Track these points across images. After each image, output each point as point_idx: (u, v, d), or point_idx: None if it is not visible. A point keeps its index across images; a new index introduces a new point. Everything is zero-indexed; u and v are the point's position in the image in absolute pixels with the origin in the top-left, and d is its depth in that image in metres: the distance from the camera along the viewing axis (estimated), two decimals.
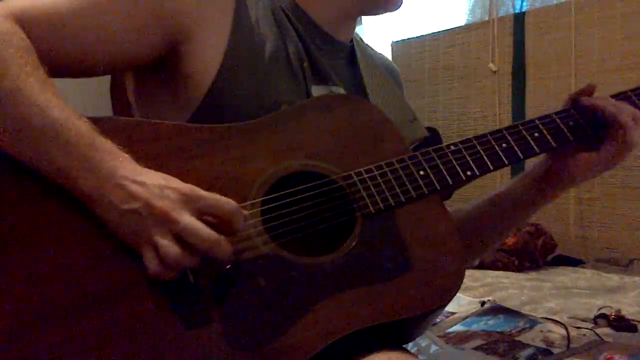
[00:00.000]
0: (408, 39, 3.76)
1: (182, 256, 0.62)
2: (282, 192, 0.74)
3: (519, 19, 3.18)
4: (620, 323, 1.66)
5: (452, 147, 0.84)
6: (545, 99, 3.05)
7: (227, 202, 0.66)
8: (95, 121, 0.68)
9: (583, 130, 0.89)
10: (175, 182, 0.66)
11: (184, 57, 0.82)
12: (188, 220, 0.63)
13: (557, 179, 0.93)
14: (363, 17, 1.02)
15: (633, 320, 1.68)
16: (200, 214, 0.64)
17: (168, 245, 0.62)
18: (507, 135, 0.87)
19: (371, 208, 0.77)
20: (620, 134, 0.87)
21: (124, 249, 0.64)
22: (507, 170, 0.84)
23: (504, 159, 0.85)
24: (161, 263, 0.62)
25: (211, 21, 0.83)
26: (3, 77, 0.65)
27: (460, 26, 3.52)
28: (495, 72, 3.24)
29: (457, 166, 0.83)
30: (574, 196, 2.88)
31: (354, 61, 0.99)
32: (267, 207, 0.73)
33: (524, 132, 0.87)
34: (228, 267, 0.67)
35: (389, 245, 0.75)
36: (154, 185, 0.64)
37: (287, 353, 0.64)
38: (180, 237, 0.63)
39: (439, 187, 0.80)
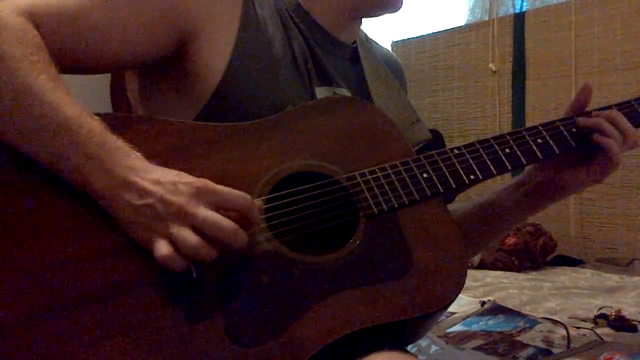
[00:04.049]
0: (408, 39, 3.77)
1: (200, 245, 0.63)
2: (285, 191, 0.75)
3: (519, 19, 3.18)
4: (620, 323, 1.66)
5: (456, 151, 0.85)
6: (545, 99, 3.05)
7: (241, 196, 0.66)
8: (104, 118, 0.69)
9: (585, 137, 0.90)
10: (188, 177, 0.66)
11: (191, 55, 0.82)
12: (205, 212, 0.63)
13: (548, 193, 0.95)
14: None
15: (633, 320, 1.68)
16: (215, 208, 0.65)
17: (187, 234, 0.62)
18: (510, 140, 0.87)
19: (374, 209, 0.77)
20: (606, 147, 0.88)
21: (129, 245, 0.65)
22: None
23: (507, 164, 0.85)
24: (174, 252, 0.62)
25: (219, 20, 0.83)
26: (15, 75, 0.66)
27: (460, 26, 3.52)
28: (495, 72, 3.24)
29: (460, 170, 0.83)
30: (574, 196, 2.88)
31: (357, 62, 0.99)
32: (270, 205, 0.73)
33: (527, 137, 0.88)
34: (229, 264, 0.67)
35: (391, 246, 0.76)
36: (167, 181, 0.65)
37: (288, 350, 0.64)
38: (199, 229, 0.63)
39: (441, 190, 0.81)
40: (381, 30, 3.66)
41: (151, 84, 0.88)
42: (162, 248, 0.62)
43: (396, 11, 0.96)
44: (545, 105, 3.04)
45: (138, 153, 0.67)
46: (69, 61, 0.75)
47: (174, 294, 0.64)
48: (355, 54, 1.00)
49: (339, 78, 0.94)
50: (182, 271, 0.63)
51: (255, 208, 0.67)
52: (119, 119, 0.73)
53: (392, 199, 0.78)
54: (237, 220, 0.65)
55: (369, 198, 0.77)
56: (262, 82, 0.84)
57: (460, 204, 1.03)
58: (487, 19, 3.37)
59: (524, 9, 3.26)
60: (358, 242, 0.74)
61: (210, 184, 0.66)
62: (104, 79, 3.11)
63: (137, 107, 0.92)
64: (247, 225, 0.66)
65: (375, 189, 0.78)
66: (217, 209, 0.65)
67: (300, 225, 0.74)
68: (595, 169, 0.90)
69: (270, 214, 0.73)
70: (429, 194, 0.80)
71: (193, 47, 0.82)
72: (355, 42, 1.00)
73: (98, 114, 0.69)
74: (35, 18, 0.72)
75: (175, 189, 0.64)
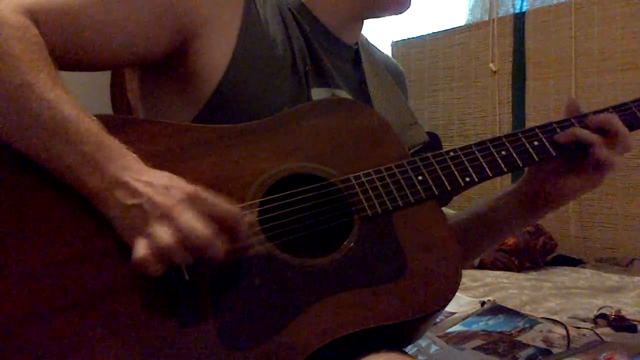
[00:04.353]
0: (408, 39, 3.76)
1: (173, 247, 0.61)
2: (280, 194, 0.75)
3: (519, 19, 3.18)
4: (620, 323, 1.65)
5: (451, 153, 0.84)
6: (545, 99, 3.05)
7: (230, 210, 0.66)
8: (99, 119, 0.69)
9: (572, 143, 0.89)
10: (181, 183, 0.66)
11: (192, 54, 0.82)
12: (187, 217, 0.63)
13: (544, 201, 0.94)
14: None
15: (633, 320, 1.68)
16: (203, 216, 0.64)
17: (161, 234, 0.61)
18: (506, 142, 0.87)
19: (369, 212, 0.77)
20: (590, 152, 0.87)
21: (121, 246, 0.65)
22: (507, 174, 0.85)
23: (502, 166, 0.85)
24: (150, 253, 0.61)
25: (220, 19, 0.83)
26: (14, 73, 0.66)
27: (460, 26, 3.52)
28: (495, 72, 3.24)
29: (455, 172, 0.83)
30: None
31: (358, 63, 0.99)
32: (264, 207, 0.73)
33: (523, 140, 0.88)
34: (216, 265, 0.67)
35: (386, 249, 0.76)
36: (159, 184, 0.65)
37: (282, 353, 0.64)
38: (178, 232, 0.62)
39: (436, 193, 0.81)
40: (381, 31, 3.66)
41: (152, 83, 0.89)
42: (140, 250, 0.61)
43: (401, 13, 0.96)
44: (545, 105, 3.04)
45: (133, 154, 0.67)
46: (69, 59, 0.75)
47: (166, 296, 0.64)
48: (356, 55, 1.00)
49: (338, 79, 0.94)
50: (156, 276, 0.62)
51: (243, 223, 0.66)
52: (116, 121, 0.73)
53: (387, 201, 0.78)
54: (224, 230, 0.65)
55: (363, 200, 0.77)
56: (262, 82, 0.85)
57: (455, 212, 1.03)
58: (487, 19, 3.36)
59: (524, 9, 3.26)
60: (352, 244, 0.74)
61: (201, 192, 0.65)
62: (104, 79, 3.12)
63: (137, 106, 0.92)
64: (234, 239, 0.66)
65: (370, 191, 0.78)
66: (205, 217, 0.64)
67: (294, 227, 0.74)
68: (589, 173, 0.89)
69: (264, 216, 0.73)
70: (424, 197, 0.80)
71: (194, 46, 0.82)
72: (357, 43, 1.00)
73: (96, 115, 0.69)
74: (35, 16, 0.72)
75: (165, 192, 0.64)
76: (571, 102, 0.94)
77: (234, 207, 0.66)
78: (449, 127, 3.47)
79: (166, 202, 0.63)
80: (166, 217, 0.62)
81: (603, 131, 0.88)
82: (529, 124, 3.05)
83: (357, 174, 0.79)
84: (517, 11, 3.26)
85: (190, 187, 0.65)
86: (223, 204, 0.66)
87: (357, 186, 0.78)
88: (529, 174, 0.96)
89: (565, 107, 0.95)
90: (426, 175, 0.81)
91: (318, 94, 0.90)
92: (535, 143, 0.88)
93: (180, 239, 0.62)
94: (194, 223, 0.63)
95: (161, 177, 0.66)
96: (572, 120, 0.91)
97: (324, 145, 0.81)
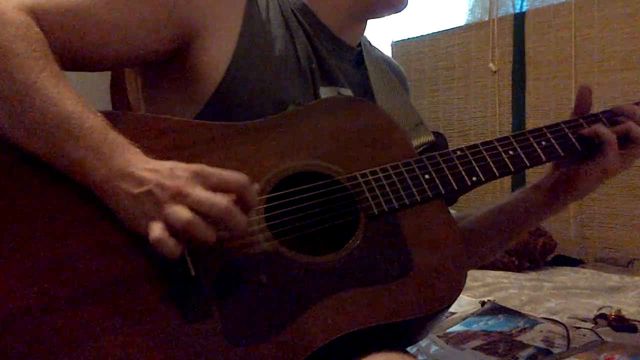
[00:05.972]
0: (408, 39, 3.76)
1: (194, 221, 0.62)
2: (285, 191, 0.75)
3: (519, 19, 3.18)
4: (620, 323, 1.66)
5: (458, 152, 0.84)
6: (545, 99, 3.05)
7: (238, 176, 0.66)
8: (105, 115, 0.69)
9: (591, 139, 0.89)
10: (185, 164, 0.66)
11: (194, 53, 0.82)
12: (200, 191, 0.63)
13: (563, 191, 0.94)
14: None
15: (633, 320, 1.68)
16: (212, 190, 0.65)
17: (179, 210, 0.62)
18: (514, 142, 0.87)
19: (374, 210, 0.77)
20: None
21: (128, 241, 0.65)
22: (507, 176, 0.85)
23: (510, 165, 0.85)
24: (167, 234, 0.61)
25: (222, 18, 0.84)
26: (17, 71, 0.66)
27: (460, 26, 3.52)
28: (495, 72, 3.24)
29: (462, 171, 0.83)
30: None
31: (361, 65, 1.00)
32: (270, 204, 0.73)
33: (531, 139, 0.88)
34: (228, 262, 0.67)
35: (391, 247, 0.76)
36: (163, 169, 0.65)
37: (285, 350, 0.64)
38: (194, 209, 0.62)
39: (443, 192, 0.81)
40: (381, 31, 3.66)
41: (153, 82, 0.89)
42: (155, 230, 0.62)
43: (400, 11, 0.96)
44: (545, 105, 3.04)
45: (137, 149, 0.68)
46: (71, 58, 0.76)
47: (171, 291, 0.64)
48: (359, 57, 1.00)
49: (343, 79, 0.94)
50: (175, 257, 0.62)
51: (252, 188, 0.66)
52: (121, 116, 0.73)
53: (393, 199, 0.78)
54: (235, 203, 0.65)
55: (370, 198, 0.77)
56: (264, 80, 0.85)
57: (473, 209, 1.03)
58: (487, 19, 3.36)
59: (524, 9, 3.25)
60: (358, 242, 0.74)
61: (206, 167, 0.66)
62: (104, 79, 3.11)
63: (138, 106, 0.92)
64: (245, 207, 0.66)
65: (376, 189, 0.78)
66: (215, 191, 0.64)
67: (300, 225, 0.74)
68: (601, 162, 0.89)
69: (270, 214, 0.73)
70: (430, 195, 0.80)
71: (195, 45, 0.82)
72: (359, 45, 1.01)
73: (101, 111, 0.69)
74: (38, 15, 0.72)
75: (172, 174, 0.64)
76: (582, 91, 0.94)
77: (241, 173, 0.66)
78: (449, 127, 3.46)
79: (175, 183, 0.63)
80: (178, 196, 0.63)
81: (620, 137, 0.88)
82: (529, 124, 3.05)
83: (364, 171, 0.79)
84: (517, 11, 3.26)
85: (194, 165, 0.66)
86: (230, 173, 0.66)
87: (363, 184, 0.78)
88: (551, 167, 0.96)
89: (577, 95, 0.94)
90: (433, 174, 0.81)
91: (325, 92, 0.91)
92: (544, 143, 0.87)
93: (200, 212, 0.62)
94: (209, 195, 0.63)
95: (165, 163, 0.66)
96: (581, 120, 0.91)
97: (330, 143, 0.81)
